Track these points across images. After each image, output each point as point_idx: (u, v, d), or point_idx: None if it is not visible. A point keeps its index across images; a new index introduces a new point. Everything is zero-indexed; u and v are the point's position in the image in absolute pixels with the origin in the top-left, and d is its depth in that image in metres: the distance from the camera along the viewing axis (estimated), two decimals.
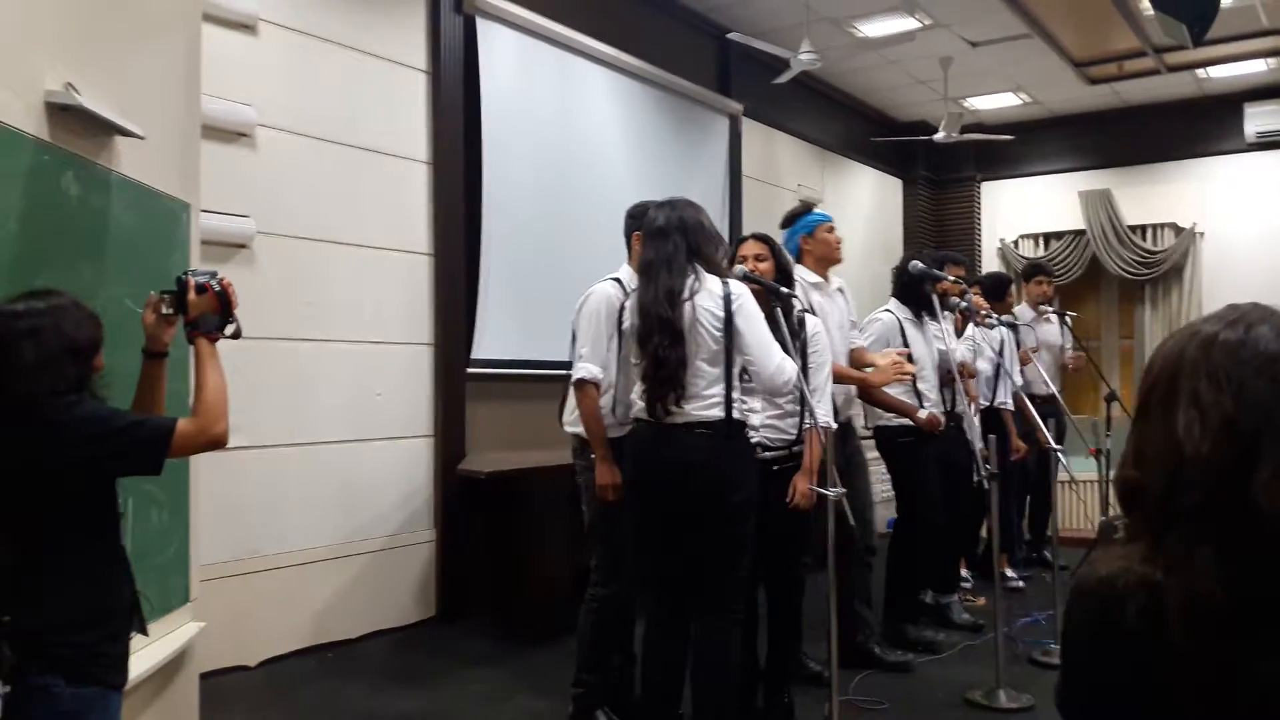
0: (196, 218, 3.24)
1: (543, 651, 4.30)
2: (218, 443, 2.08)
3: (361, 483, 4.61)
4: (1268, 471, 0.91)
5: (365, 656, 4.36)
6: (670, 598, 3.01)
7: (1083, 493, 6.27)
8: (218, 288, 2.22)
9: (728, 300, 2.86)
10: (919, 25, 6.68)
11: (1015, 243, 9.75)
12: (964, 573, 5.46)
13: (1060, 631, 1.00)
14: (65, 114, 2.41)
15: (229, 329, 2.24)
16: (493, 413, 5.20)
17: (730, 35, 6.04)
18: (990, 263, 9.70)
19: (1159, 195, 9.01)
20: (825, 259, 4.05)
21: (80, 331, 2.01)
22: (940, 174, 9.87)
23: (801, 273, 3.95)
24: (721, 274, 2.95)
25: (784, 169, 7.98)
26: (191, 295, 2.19)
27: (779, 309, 3.28)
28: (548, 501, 4.79)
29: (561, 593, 4.53)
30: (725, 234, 6.82)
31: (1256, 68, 7.75)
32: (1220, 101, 8.42)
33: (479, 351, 5.10)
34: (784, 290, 3.30)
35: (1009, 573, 5.71)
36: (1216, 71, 7.80)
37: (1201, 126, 8.63)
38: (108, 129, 2.60)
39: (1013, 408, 5.34)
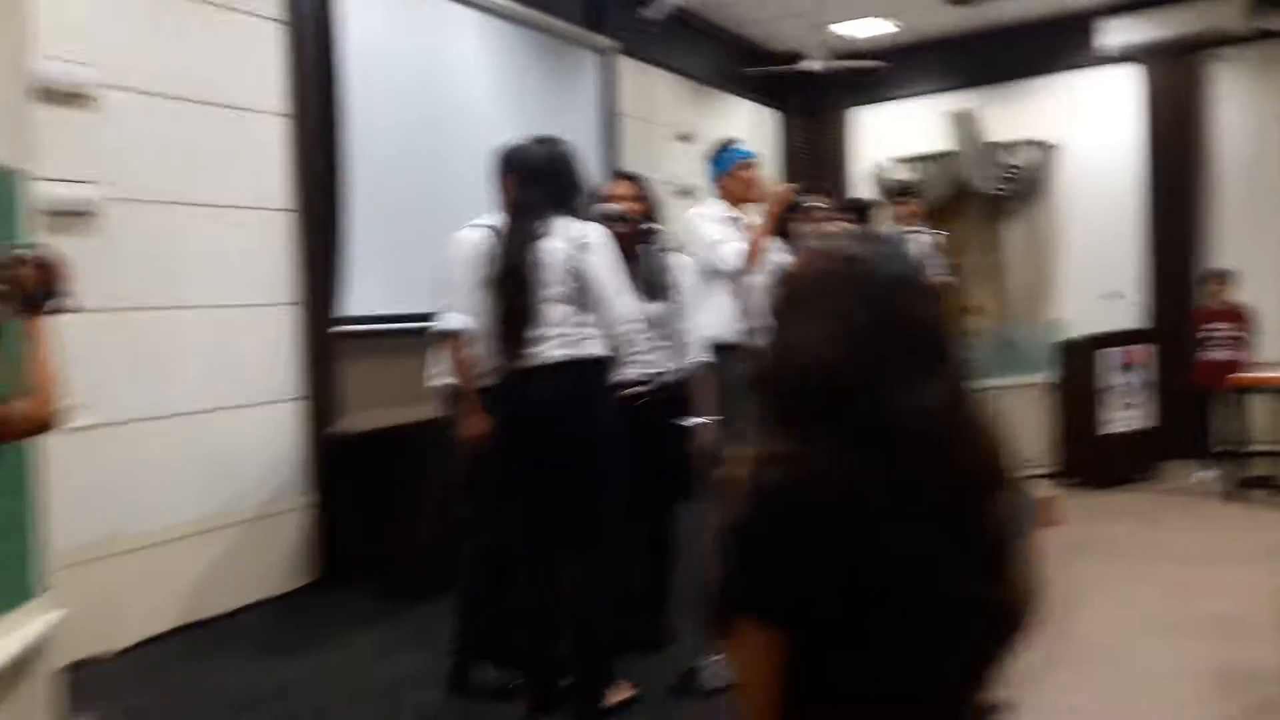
0: (26, 184, 3.06)
1: (425, 608, 4.30)
2: (46, 427, 2.01)
3: (228, 452, 4.50)
4: (887, 380, 1.04)
5: (244, 629, 4.30)
6: (542, 541, 3.04)
7: None
8: (45, 259, 2.11)
9: (578, 242, 2.87)
10: None
11: (890, 166, 9.90)
12: None
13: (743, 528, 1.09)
14: None
15: (51, 303, 2.11)
16: (367, 370, 5.11)
17: None
18: (865, 187, 9.84)
19: (1024, 113, 9.21)
20: (740, 197, 4.05)
21: None
22: (814, 103, 9.89)
23: (714, 204, 3.99)
24: (580, 214, 2.95)
25: (659, 105, 7.92)
26: (24, 269, 2.08)
27: (648, 246, 3.32)
28: (426, 457, 4.74)
29: (444, 549, 4.51)
30: (602, 172, 6.77)
31: None
32: (1076, 17, 8.62)
33: (349, 308, 4.98)
34: (655, 228, 3.33)
35: None
36: None
37: (1060, 42, 8.82)
38: None
39: None
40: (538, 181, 2.93)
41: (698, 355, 3.52)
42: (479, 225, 3.31)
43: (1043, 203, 9.22)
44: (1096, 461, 7.43)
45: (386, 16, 5.22)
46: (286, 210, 4.75)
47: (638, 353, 3.49)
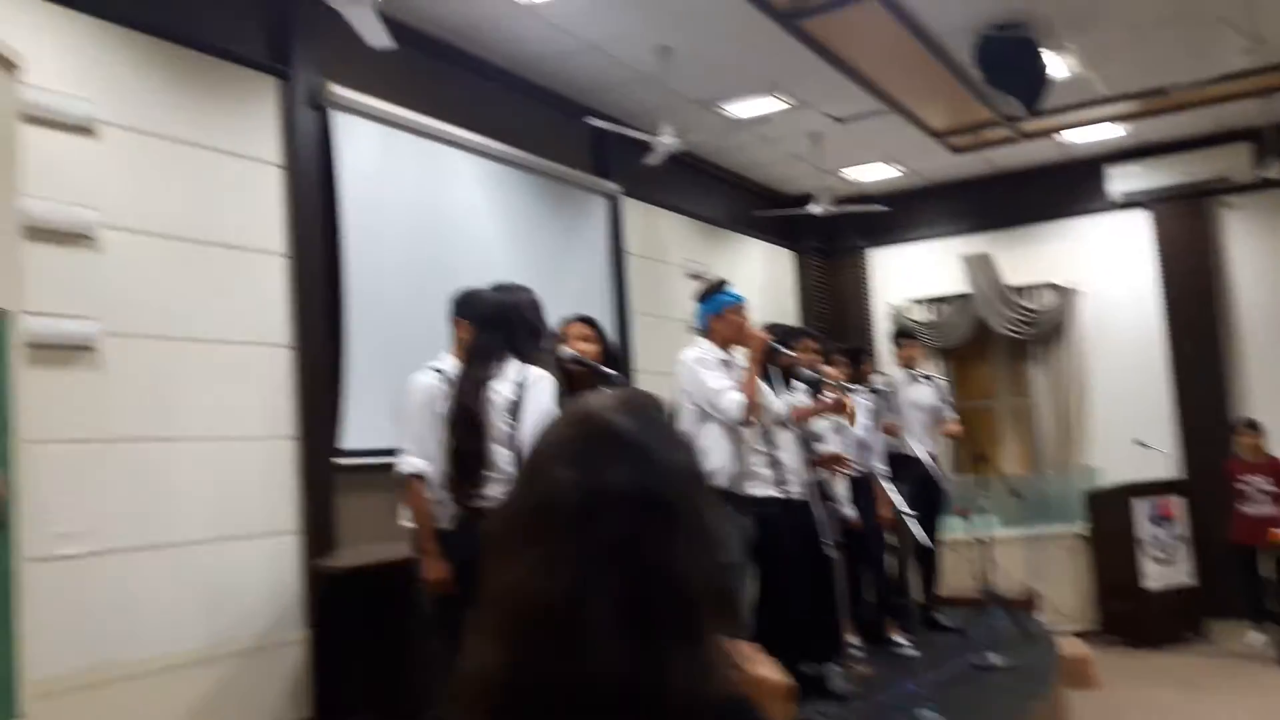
0: (14, 323, 3.20)
1: None
2: None
3: (224, 583, 4.51)
4: (497, 544, 0.93)
5: None
6: None
7: (964, 553, 6.36)
8: None
9: (521, 386, 2.92)
10: (783, 106, 6.91)
11: (906, 307, 9.98)
12: (852, 640, 5.49)
13: None
14: None
15: None
16: (365, 503, 5.14)
17: (589, 119, 6.19)
18: (885, 328, 9.91)
19: (1037, 256, 9.33)
20: (729, 339, 4.09)
21: None
22: (829, 244, 10.12)
23: (703, 345, 4.04)
24: (533, 360, 3.01)
25: (670, 245, 8.12)
26: None
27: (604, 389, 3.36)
28: (420, 593, 4.72)
29: (442, 684, 4.44)
30: (611, 311, 6.91)
31: (1113, 132, 8.13)
32: (1083, 164, 8.80)
33: (347, 442, 5.06)
34: (609, 372, 3.38)
35: (899, 639, 5.75)
36: (1074, 136, 8.17)
37: (1069, 188, 9.01)
38: None
39: (881, 472, 5.44)
40: (492, 327, 3.01)
41: None
42: (431, 368, 3.42)
43: (1065, 346, 9.21)
44: (1137, 619, 7.14)
45: (387, 164, 5.46)
46: (286, 346, 4.89)
47: None
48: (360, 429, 5.11)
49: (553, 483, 0.90)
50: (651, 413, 0.96)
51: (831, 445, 5.00)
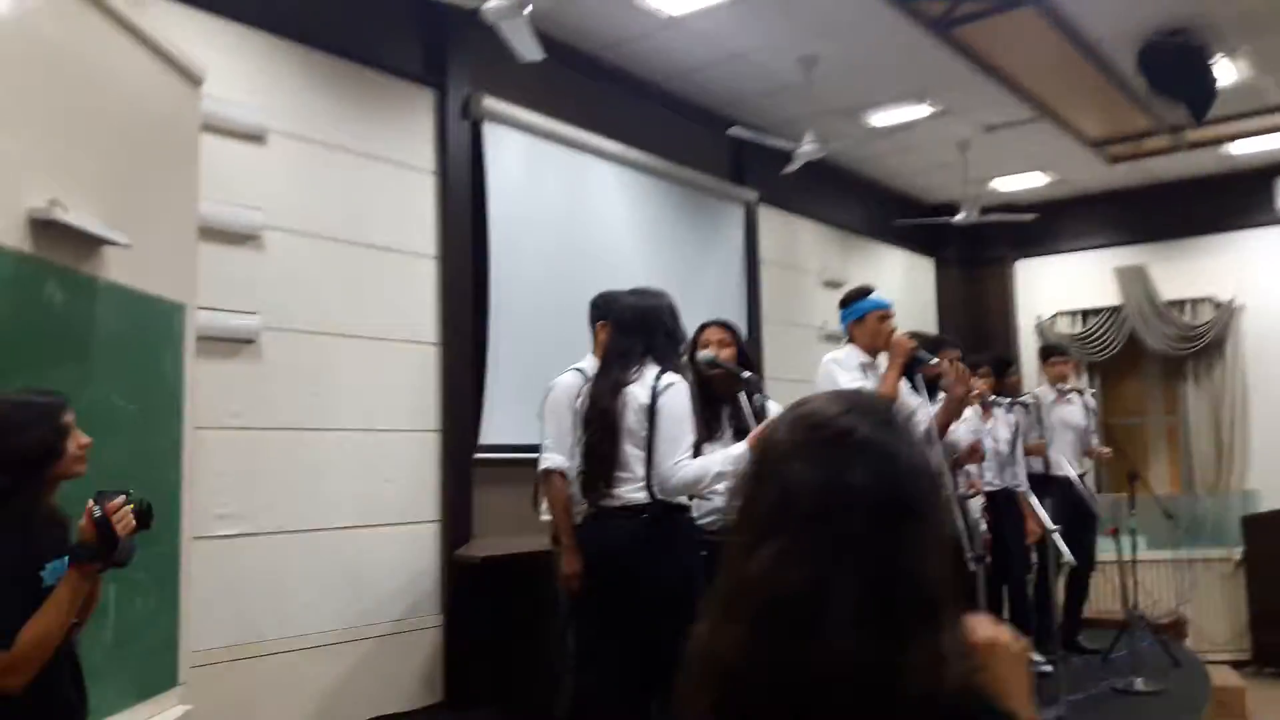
0: (191, 317, 3.45)
1: None
2: (4, 690, 1.90)
3: (367, 568, 4.74)
4: (740, 533, 0.97)
5: None
6: (628, 683, 3.04)
7: (1110, 574, 6.13)
8: (98, 513, 1.95)
9: (654, 390, 2.96)
10: (929, 112, 6.79)
11: (1052, 320, 9.68)
12: None
13: None
14: (48, 228, 2.63)
15: (103, 562, 1.99)
16: (502, 497, 5.31)
17: (732, 130, 6.22)
18: (1028, 341, 9.63)
19: (1195, 270, 8.91)
20: (871, 346, 3.99)
21: (16, 438, 1.95)
22: (972, 254, 9.87)
23: (850, 351, 3.99)
24: (672, 365, 3.06)
25: (805, 253, 8.09)
26: (83, 520, 1.98)
27: (742, 393, 3.39)
28: (551, 586, 4.84)
29: (559, 679, 4.56)
30: (744, 318, 6.92)
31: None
32: (1249, 175, 8.36)
33: (487, 437, 5.23)
34: (747, 374, 3.39)
35: (1035, 656, 5.59)
36: (1239, 147, 7.77)
37: (1233, 200, 8.56)
38: (93, 240, 2.82)
39: (1024, 489, 5.29)
40: (630, 331, 3.06)
41: None
42: (574, 369, 3.50)
43: (1224, 363, 8.78)
44: None
45: (533, 172, 5.63)
46: (434, 344, 5.09)
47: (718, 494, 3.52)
48: (498, 425, 5.28)
49: (791, 481, 0.95)
50: (885, 415, 1.00)
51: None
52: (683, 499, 3.06)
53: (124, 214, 2.96)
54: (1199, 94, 5.14)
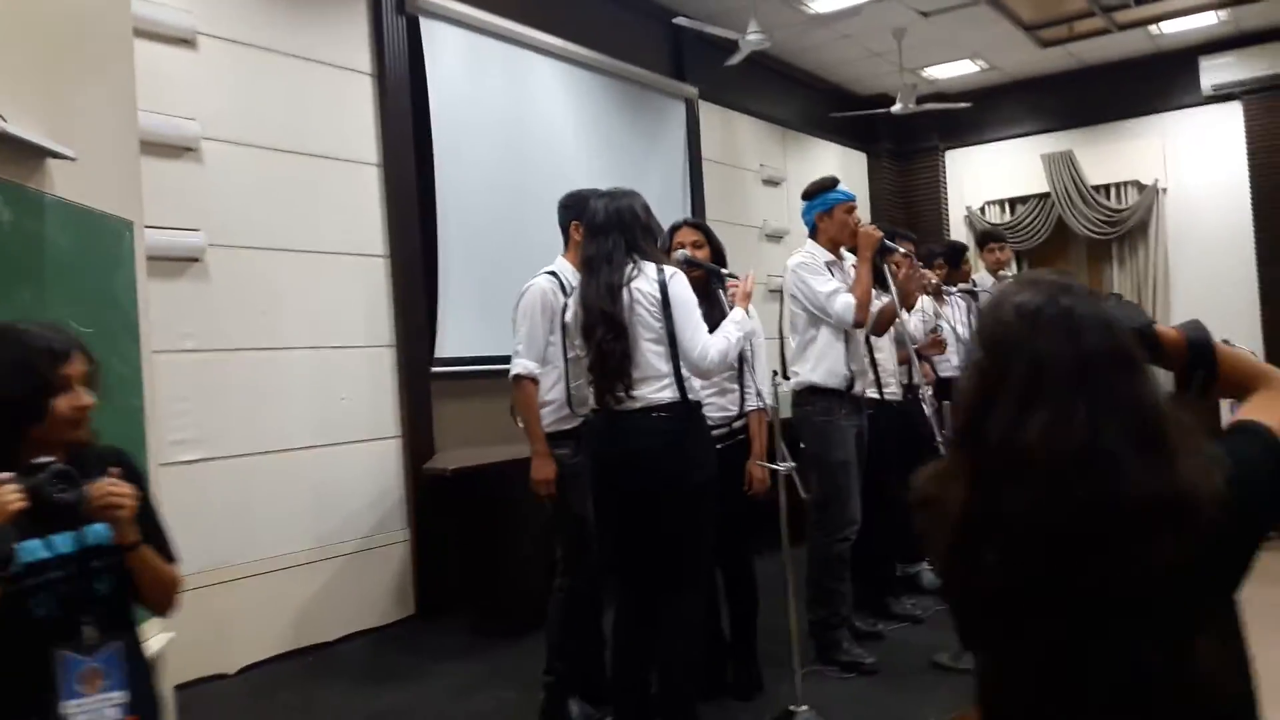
0: (140, 235, 3.26)
1: (518, 643, 4.35)
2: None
3: (331, 487, 4.65)
4: (999, 410, 1.10)
5: (344, 657, 4.42)
6: (636, 581, 3.05)
7: None
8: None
9: (663, 284, 2.91)
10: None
11: (982, 209, 9.81)
12: None
13: None
14: None
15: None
16: (460, 410, 5.24)
17: (677, 20, 6.06)
18: (958, 230, 9.76)
19: (1121, 153, 9.07)
20: (838, 239, 3.97)
21: None
22: (903, 145, 9.91)
23: (809, 248, 3.97)
24: (657, 260, 3.00)
25: (745, 149, 8.01)
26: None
27: (719, 290, 3.37)
28: (518, 496, 4.80)
29: (536, 584, 4.56)
30: (688, 216, 6.84)
31: (1208, 20, 7.79)
32: (1175, 56, 8.47)
33: (442, 350, 5.13)
34: (723, 271, 3.36)
35: None
36: (1169, 26, 7.84)
37: (1158, 82, 8.69)
38: (38, 152, 2.62)
39: None
40: (605, 231, 2.98)
41: (767, 399, 3.52)
42: (547, 273, 3.42)
43: (1148, 246, 9.00)
44: None
45: (473, 71, 5.43)
46: (381, 256, 4.93)
47: (717, 392, 3.53)
48: (453, 338, 5.17)
49: (1042, 356, 1.10)
50: (1082, 289, 1.16)
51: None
52: (701, 396, 3.03)
53: (66, 125, 2.75)
54: None
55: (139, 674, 1.81)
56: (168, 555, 1.89)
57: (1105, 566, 1.05)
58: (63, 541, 1.73)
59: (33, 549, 1.69)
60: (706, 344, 2.94)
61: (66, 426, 1.72)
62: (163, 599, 1.88)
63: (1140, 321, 1.18)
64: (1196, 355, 1.25)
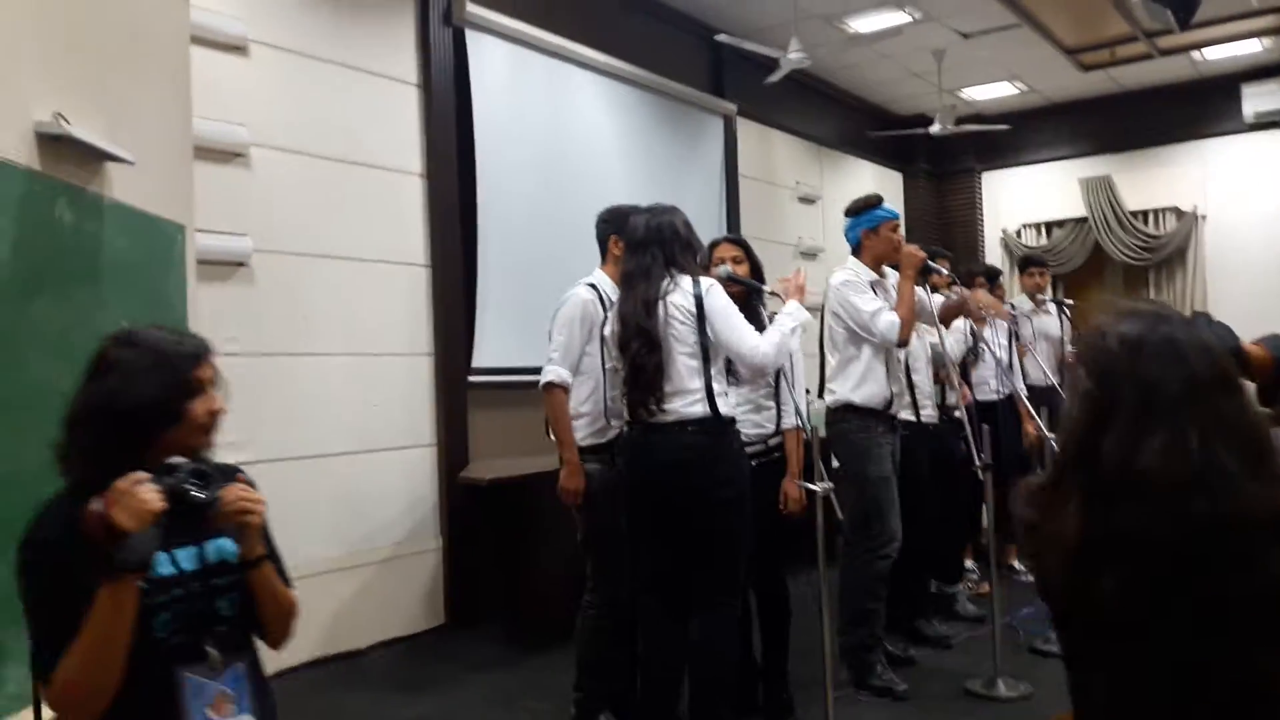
0: (192, 239, 3.31)
1: (549, 656, 4.35)
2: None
3: (366, 493, 4.67)
4: (1113, 435, 1.15)
5: (373, 666, 4.43)
6: (668, 597, 3.05)
7: None
8: (95, 504, 1.48)
9: (698, 297, 2.93)
10: (909, 19, 6.70)
11: (1018, 232, 9.76)
12: (969, 563, 5.48)
13: None
14: (56, 143, 2.48)
15: (113, 566, 1.48)
16: (495, 420, 5.26)
17: (719, 37, 6.08)
18: (994, 253, 9.72)
19: (1160, 179, 9.00)
20: (882, 257, 3.96)
21: (127, 389, 1.57)
22: (940, 166, 9.88)
23: (852, 265, 3.96)
24: (694, 274, 3.01)
25: (781, 167, 8.02)
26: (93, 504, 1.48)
27: (759, 305, 3.38)
28: (552, 507, 4.81)
29: (568, 597, 4.56)
30: (722, 232, 6.86)
31: (1251, 48, 7.74)
32: (1217, 83, 8.41)
33: (479, 360, 5.15)
34: (762, 287, 3.38)
35: (1017, 564, 5.72)
36: (1211, 53, 7.80)
37: (1199, 109, 8.62)
38: (98, 156, 2.66)
39: (1022, 393, 5.34)
40: (644, 247, 3.01)
41: (805, 417, 3.51)
42: (587, 284, 3.44)
43: (1186, 273, 8.92)
44: None
45: (516, 83, 5.47)
46: (423, 265, 4.97)
47: (753, 409, 3.54)
48: (490, 348, 5.20)
49: (1150, 382, 1.16)
50: (1180, 316, 1.21)
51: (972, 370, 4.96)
52: (733, 412, 3.04)
53: (123, 129, 2.80)
54: None
55: (263, 696, 1.73)
56: (284, 579, 1.83)
57: (1228, 581, 1.10)
58: (186, 557, 1.66)
59: (158, 563, 1.59)
60: (757, 341, 2.95)
61: (199, 431, 1.66)
62: (282, 624, 1.80)
63: (1231, 342, 1.24)
64: None
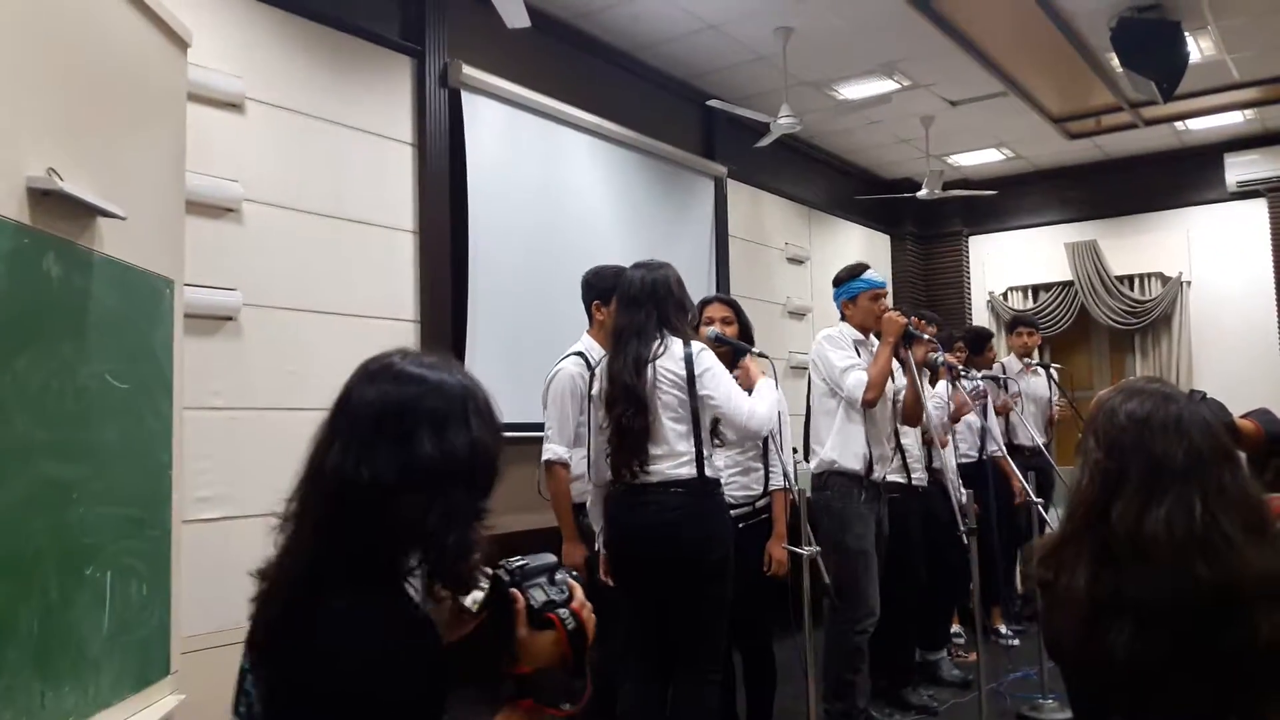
0: (180, 293, 3.31)
1: None
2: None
3: None
4: (1122, 503, 1.25)
5: None
6: (648, 660, 3.02)
7: None
8: (571, 622, 1.29)
9: (689, 359, 2.93)
10: (897, 87, 6.82)
11: (1004, 295, 9.84)
12: (956, 628, 5.44)
13: None
14: (47, 198, 2.48)
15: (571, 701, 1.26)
16: None
17: (711, 102, 6.17)
18: (980, 315, 9.79)
19: (1145, 245, 9.10)
20: (863, 326, 4.01)
21: (483, 433, 1.25)
22: (927, 229, 9.99)
23: (844, 328, 4.00)
24: (686, 337, 3.02)
25: (771, 228, 8.09)
26: (522, 630, 1.30)
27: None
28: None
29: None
30: (711, 293, 6.90)
31: (1233, 119, 7.88)
32: (1200, 152, 8.56)
33: None
34: (751, 349, 3.39)
35: (1003, 628, 5.69)
36: (1195, 124, 7.94)
37: (1183, 177, 8.76)
38: (90, 211, 2.67)
39: (1001, 453, 5.35)
40: (638, 304, 3.01)
41: (792, 479, 3.51)
42: (575, 354, 3.45)
43: (1171, 337, 8.99)
44: None
45: (510, 144, 5.53)
46: (412, 321, 4.98)
47: (740, 471, 3.54)
48: None
49: (1158, 454, 1.27)
50: (1181, 393, 1.35)
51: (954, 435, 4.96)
52: (719, 475, 3.04)
53: (115, 184, 2.81)
54: (1170, 70, 5.21)
55: None
56: None
57: (1231, 639, 1.19)
58: None
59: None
60: (752, 405, 2.95)
61: None
62: None
63: (1226, 417, 1.32)
64: (1274, 443, 1.45)
